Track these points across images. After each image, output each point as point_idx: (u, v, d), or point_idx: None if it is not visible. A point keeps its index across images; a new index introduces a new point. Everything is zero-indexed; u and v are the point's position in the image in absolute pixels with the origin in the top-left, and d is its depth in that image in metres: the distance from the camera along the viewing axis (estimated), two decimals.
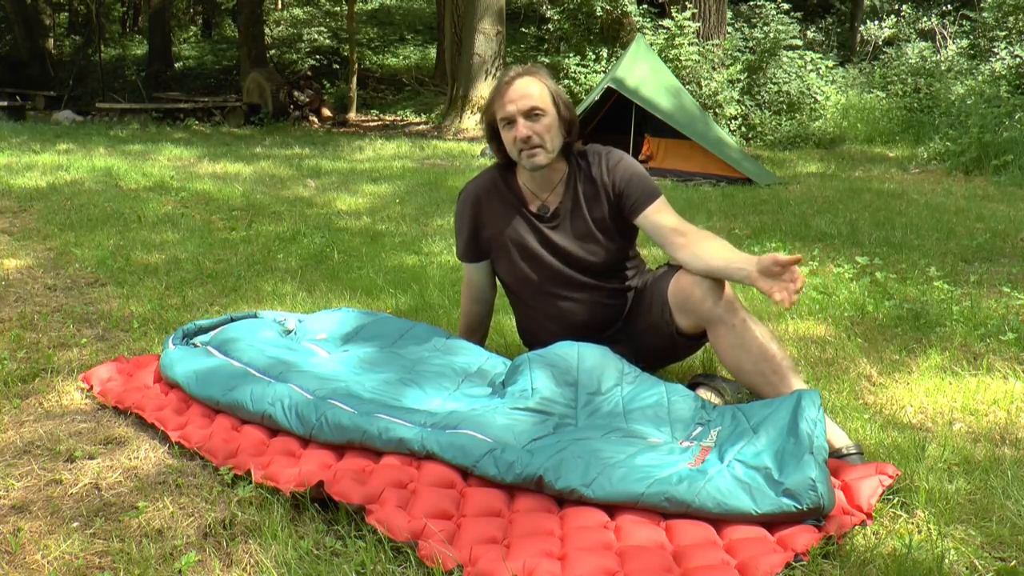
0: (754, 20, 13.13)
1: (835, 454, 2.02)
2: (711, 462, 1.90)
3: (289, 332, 2.76)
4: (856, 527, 1.74)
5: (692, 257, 2.24)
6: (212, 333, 2.69)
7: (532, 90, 2.30)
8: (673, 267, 2.37)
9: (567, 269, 2.44)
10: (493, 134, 2.42)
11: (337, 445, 2.06)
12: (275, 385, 2.25)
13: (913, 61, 13.06)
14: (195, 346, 2.62)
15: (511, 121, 2.32)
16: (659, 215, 2.34)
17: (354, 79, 15.97)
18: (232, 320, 2.79)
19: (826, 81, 12.48)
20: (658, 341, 2.40)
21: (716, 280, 2.20)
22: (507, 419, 2.05)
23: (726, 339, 2.17)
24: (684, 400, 2.18)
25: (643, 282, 2.50)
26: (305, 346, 2.61)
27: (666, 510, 1.77)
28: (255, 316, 2.84)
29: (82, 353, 2.86)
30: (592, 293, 2.45)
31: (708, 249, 2.22)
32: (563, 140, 2.37)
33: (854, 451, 2.03)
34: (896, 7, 17.39)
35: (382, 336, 2.63)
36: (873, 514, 1.78)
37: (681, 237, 2.28)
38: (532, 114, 2.30)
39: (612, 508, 1.82)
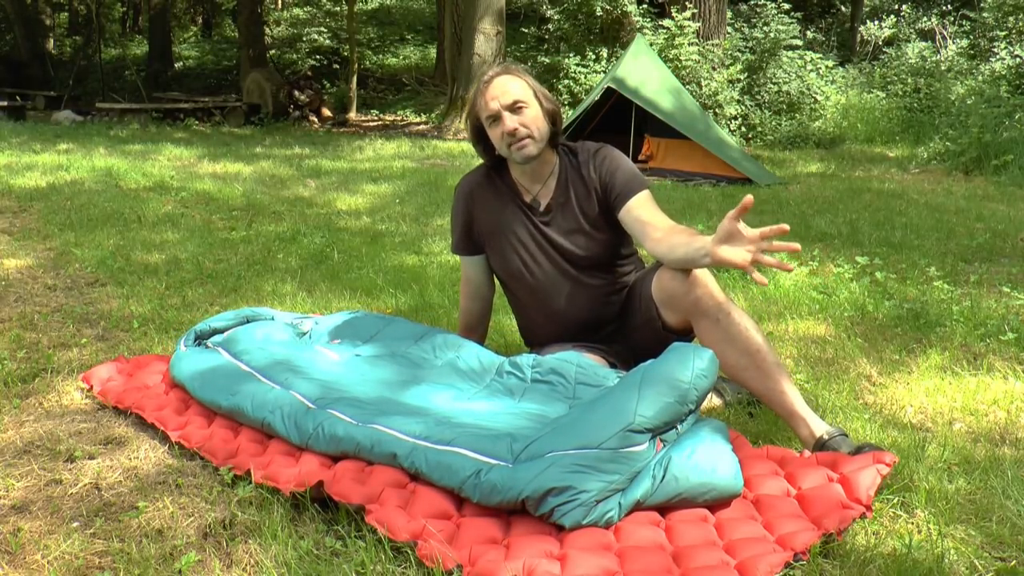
0: (754, 20, 13.14)
1: (819, 443, 2.00)
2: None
3: (303, 334, 2.73)
4: (856, 522, 1.74)
5: (668, 250, 2.19)
6: (225, 334, 2.66)
7: (512, 86, 2.32)
8: (659, 263, 2.33)
9: (560, 263, 2.44)
10: (479, 136, 2.42)
11: (332, 456, 2.03)
12: (277, 391, 2.22)
13: (913, 61, 13.05)
14: (207, 347, 2.60)
15: (496, 118, 2.32)
16: (639, 209, 2.31)
17: (354, 79, 15.97)
18: (248, 321, 2.73)
19: (826, 81, 12.49)
20: (649, 338, 2.37)
21: (698, 273, 2.16)
22: (508, 421, 2.04)
23: (711, 333, 2.14)
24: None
25: (636, 279, 2.49)
26: (317, 349, 2.58)
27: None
28: (272, 319, 2.78)
29: (82, 353, 2.86)
30: (586, 289, 2.45)
31: (679, 241, 2.16)
32: (550, 129, 2.37)
33: (837, 435, 2.01)
34: (896, 7, 17.39)
35: (398, 339, 2.60)
36: (872, 506, 1.77)
37: (658, 232, 2.23)
38: (515, 107, 2.30)
39: None
